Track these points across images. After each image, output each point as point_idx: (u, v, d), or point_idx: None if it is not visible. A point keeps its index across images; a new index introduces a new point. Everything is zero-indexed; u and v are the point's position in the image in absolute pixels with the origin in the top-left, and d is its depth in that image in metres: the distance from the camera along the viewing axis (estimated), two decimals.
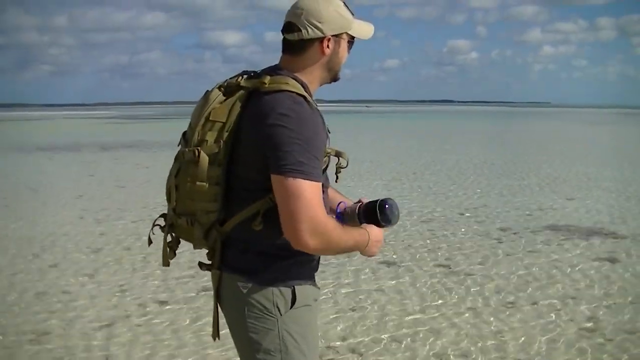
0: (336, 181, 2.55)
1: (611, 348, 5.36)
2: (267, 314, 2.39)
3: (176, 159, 2.44)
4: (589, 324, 5.91)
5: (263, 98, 2.29)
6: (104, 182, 16.99)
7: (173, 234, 2.57)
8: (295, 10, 2.39)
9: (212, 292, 2.55)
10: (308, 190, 2.21)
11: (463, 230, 10.24)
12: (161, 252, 2.59)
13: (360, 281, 7.29)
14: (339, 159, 2.49)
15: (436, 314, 6.22)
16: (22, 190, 15.87)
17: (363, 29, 2.52)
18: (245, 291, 2.40)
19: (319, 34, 2.38)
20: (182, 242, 2.60)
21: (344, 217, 2.57)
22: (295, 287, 2.41)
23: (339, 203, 2.63)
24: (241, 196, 2.35)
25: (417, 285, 7.19)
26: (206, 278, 7.11)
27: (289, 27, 2.40)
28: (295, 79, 2.37)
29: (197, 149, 2.33)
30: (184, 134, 2.47)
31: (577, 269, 7.81)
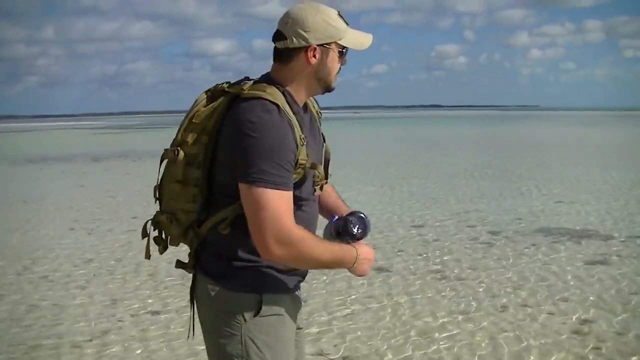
0: (314, 193, 2.52)
1: (604, 351, 5.37)
2: (232, 319, 2.41)
3: (162, 158, 2.50)
4: (582, 327, 5.92)
5: (240, 105, 2.32)
6: (95, 193, 16.94)
7: (159, 230, 2.59)
8: (284, 19, 2.41)
9: None
10: (273, 200, 2.22)
11: (454, 234, 10.25)
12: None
13: (351, 287, 7.28)
14: (315, 172, 2.45)
15: (428, 319, 6.22)
16: (12, 202, 15.81)
17: (357, 39, 2.48)
18: (213, 294, 2.45)
19: (304, 43, 2.37)
20: (175, 249, 2.66)
21: (324, 235, 2.57)
22: (264, 295, 2.42)
23: (332, 217, 2.62)
24: (218, 200, 2.39)
25: (409, 290, 7.19)
26: None
27: (277, 36, 2.42)
28: (279, 86, 2.38)
29: (177, 149, 2.40)
30: None
31: (568, 271, 7.83)
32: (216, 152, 2.36)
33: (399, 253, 8.99)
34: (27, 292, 7.56)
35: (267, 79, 2.43)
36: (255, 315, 2.41)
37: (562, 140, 38.88)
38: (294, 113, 2.36)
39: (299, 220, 2.39)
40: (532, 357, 5.27)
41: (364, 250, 2.46)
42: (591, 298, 6.77)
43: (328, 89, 2.50)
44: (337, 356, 5.36)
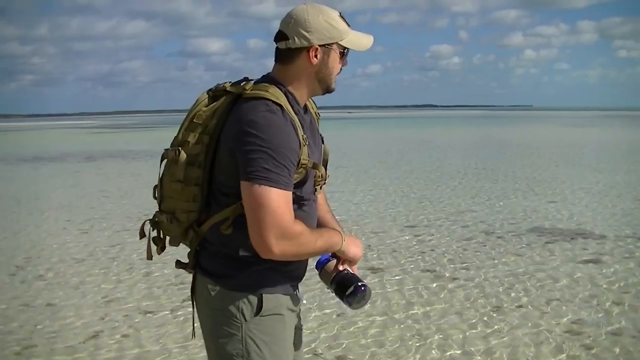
0: (314, 193, 2.54)
1: (597, 349, 5.39)
2: (232, 319, 2.42)
3: (162, 158, 2.49)
4: (575, 326, 5.94)
5: (242, 104, 2.33)
6: (88, 192, 16.91)
7: (158, 230, 2.59)
8: (286, 19, 2.42)
9: None
10: (274, 198, 2.23)
11: (448, 235, 10.27)
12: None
13: None
14: (316, 172, 2.46)
15: (422, 319, 6.23)
16: (5, 201, 15.76)
17: (358, 40, 2.49)
18: (213, 294, 2.46)
19: (306, 44, 2.38)
20: (171, 249, 2.66)
21: (321, 271, 2.65)
22: (264, 294, 2.43)
23: (326, 259, 2.65)
24: (218, 199, 2.40)
25: (403, 290, 7.20)
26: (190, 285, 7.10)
27: (279, 36, 2.43)
28: (280, 86, 2.39)
29: (178, 149, 2.40)
30: None
31: (561, 271, 7.86)
32: (217, 152, 2.37)
33: (393, 253, 8.99)
34: (20, 291, 7.54)
35: (269, 80, 2.43)
36: (255, 315, 2.42)
37: (555, 140, 38.97)
38: (295, 113, 2.37)
39: (299, 219, 2.40)
40: (526, 356, 5.28)
41: (349, 235, 2.61)
42: (584, 297, 6.79)
43: (328, 89, 2.51)
44: (330, 357, 5.38)
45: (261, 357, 2.42)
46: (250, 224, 2.27)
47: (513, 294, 6.96)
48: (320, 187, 2.64)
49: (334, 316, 6.35)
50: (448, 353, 5.40)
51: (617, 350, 5.39)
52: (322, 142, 2.66)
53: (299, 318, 2.71)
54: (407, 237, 10.09)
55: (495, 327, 5.98)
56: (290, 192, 2.30)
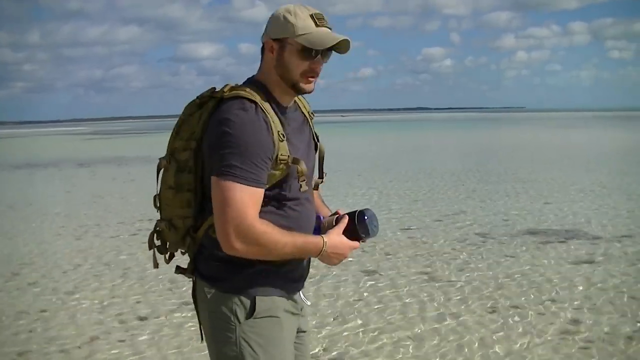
0: (300, 190, 2.49)
1: (593, 350, 5.40)
2: (227, 321, 2.44)
3: (158, 168, 2.54)
4: (570, 327, 5.95)
5: (221, 106, 2.37)
6: (82, 198, 16.88)
7: (162, 239, 2.62)
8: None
9: (192, 306, 2.62)
10: (238, 194, 2.26)
11: (442, 237, 10.28)
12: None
13: (340, 290, 7.31)
14: (297, 168, 2.43)
15: (418, 322, 6.23)
16: None
17: (318, 39, 2.39)
18: (209, 297, 2.48)
19: (265, 39, 2.45)
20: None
21: (321, 230, 2.56)
22: (257, 297, 2.43)
23: (317, 216, 2.63)
24: (209, 203, 2.41)
25: (398, 293, 7.20)
26: (185, 289, 7.11)
27: None
28: (260, 85, 2.44)
29: (169, 157, 2.46)
30: None
31: (556, 271, 7.87)
32: (203, 156, 2.40)
33: (388, 256, 9.00)
34: (15, 298, 7.52)
35: (251, 81, 2.49)
36: (249, 317, 2.42)
37: (548, 141, 39.07)
38: (274, 110, 2.40)
39: (291, 220, 2.42)
40: (521, 357, 5.29)
41: (333, 242, 2.46)
42: (579, 298, 6.81)
43: (295, 87, 2.44)
44: (325, 358, 5.38)
45: (256, 359, 2.42)
46: (215, 218, 2.31)
47: (508, 295, 6.97)
48: (316, 187, 2.66)
49: (330, 319, 6.35)
50: (444, 354, 5.40)
51: (612, 350, 5.39)
52: (317, 141, 2.69)
53: (305, 321, 2.72)
54: (401, 240, 10.10)
55: (491, 327, 5.98)
56: (260, 190, 2.32)
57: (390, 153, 31.59)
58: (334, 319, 6.35)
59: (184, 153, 2.41)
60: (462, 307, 6.64)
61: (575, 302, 6.67)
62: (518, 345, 5.55)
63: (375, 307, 6.71)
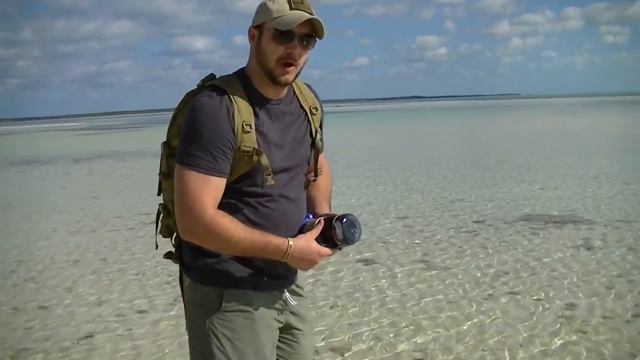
0: (265, 184, 2.39)
1: (591, 334, 5.41)
2: (198, 311, 2.45)
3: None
4: (568, 312, 5.96)
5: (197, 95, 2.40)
6: (78, 194, 16.84)
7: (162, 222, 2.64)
8: None
9: None
10: (192, 181, 2.26)
11: (438, 224, 10.28)
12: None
13: (338, 279, 7.31)
14: (258, 158, 2.34)
15: (416, 310, 6.24)
16: None
17: (287, 20, 2.30)
18: (186, 284, 2.52)
19: (250, 27, 2.43)
20: (167, 244, 2.70)
21: (304, 232, 2.45)
22: (226, 290, 2.41)
23: (307, 216, 2.57)
24: None
25: (396, 281, 7.20)
26: None
27: None
28: (240, 76, 2.43)
29: (165, 144, 2.48)
30: None
31: (553, 257, 7.88)
32: None
33: (384, 244, 9.00)
34: (12, 294, 7.51)
35: (238, 70, 2.49)
36: (218, 310, 2.40)
37: (544, 127, 39.09)
38: (251, 101, 2.36)
39: (261, 216, 2.39)
40: (519, 343, 5.29)
41: (299, 247, 2.37)
42: (576, 282, 6.82)
43: (271, 76, 2.36)
44: (324, 349, 5.38)
45: (223, 352, 2.39)
46: (175, 205, 2.33)
47: (506, 282, 6.98)
48: (309, 184, 2.65)
49: (327, 308, 6.35)
50: (443, 342, 5.41)
51: (610, 334, 5.40)
52: (313, 137, 2.62)
53: (295, 318, 2.64)
54: (398, 228, 10.10)
55: (489, 314, 5.99)
56: (219, 179, 2.29)
57: (385, 142, 31.57)
58: (331, 308, 6.35)
59: (175, 140, 2.42)
60: (460, 294, 6.64)
61: (573, 287, 6.68)
62: (517, 330, 5.55)
63: (373, 295, 6.72)
